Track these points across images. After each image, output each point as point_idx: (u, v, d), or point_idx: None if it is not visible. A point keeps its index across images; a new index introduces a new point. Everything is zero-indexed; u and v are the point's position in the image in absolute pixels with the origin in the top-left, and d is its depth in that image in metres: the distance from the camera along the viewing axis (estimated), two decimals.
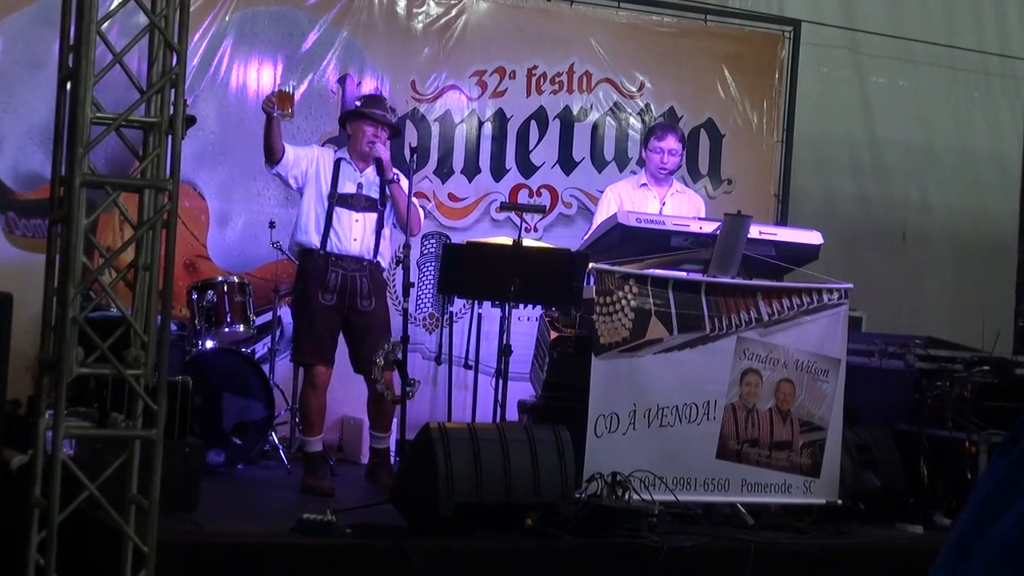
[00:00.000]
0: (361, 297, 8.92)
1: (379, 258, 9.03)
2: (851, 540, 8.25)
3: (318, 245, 8.92)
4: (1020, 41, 13.37)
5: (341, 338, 9.08)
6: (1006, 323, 12.28)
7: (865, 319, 10.02)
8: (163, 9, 6.03)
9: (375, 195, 9.02)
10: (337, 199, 8.93)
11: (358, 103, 9.34)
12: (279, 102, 8.78)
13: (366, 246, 8.95)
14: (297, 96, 10.19)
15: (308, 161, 8.99)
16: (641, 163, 10.20)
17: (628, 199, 9.58)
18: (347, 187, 8.98)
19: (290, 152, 8.92)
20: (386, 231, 9.10)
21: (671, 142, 9.62)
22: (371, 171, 9.04)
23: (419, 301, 10.26)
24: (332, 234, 8.91)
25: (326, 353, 8.97)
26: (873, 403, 9.24)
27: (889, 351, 9.90)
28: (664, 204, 9.63)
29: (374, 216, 9.00)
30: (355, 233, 8.95)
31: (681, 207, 9.54)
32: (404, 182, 9.07)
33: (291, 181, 9.09)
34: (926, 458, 9.11)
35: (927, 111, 13.41)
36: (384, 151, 8.99)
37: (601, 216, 9.72)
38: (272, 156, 8.89)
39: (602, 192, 10.13)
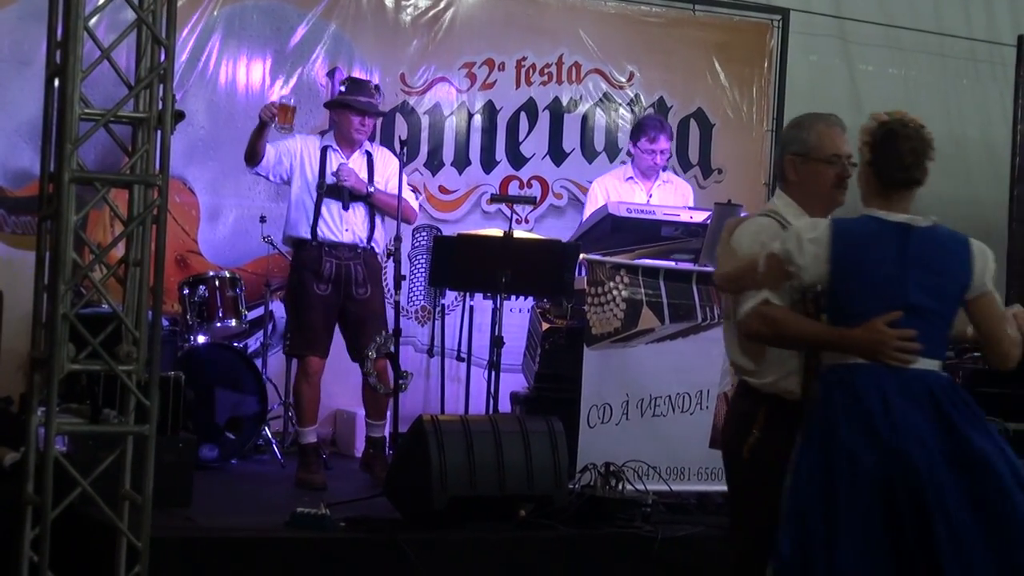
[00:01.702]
0: (356, 285, 8.92)
1: (373, 244, 9.03)
2: None
3: (309, 236, 8.91)
4: (1008, 27, 13.37)
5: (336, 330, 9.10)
6: None
7: None
8: (150, 4, 5.99)
9: (364, 184, 8.97)
10: (326, 190, 8.89)
11: (342, 88, 9.28)
12: (280, 114, 8.81)
13: (358, 234, 8.94)
14: (287, 90, 10.22)
15: (291, 155, 8.98)
16: (630, 155, 10.17)
17: (615, 192, 9.62)
18: (332, 177, 8.95)
19: (271, 151, 8.90)
20: (380, 224, 9.09)
21: (663, 143, 9.70)
22: (358, 156, 9.03)
23: (411, 294, 10.27)
24: (323, 224, 8.90)
25: (321, 344, 8.97)
26: None
27: None
28: (651, 196, 9.65)
29: (362, 207, 8.99)
30: (346, 223, 8.93)
31: (668, 197, 9.61)
32: (394, 161, 9.11)
33: (273, 178, 9.13)
34: None
35: (916, 99, 13.38)
36: (351, 176, 8.91)
37: (590, 210, 9.81)
38: (254, 159, 8.90)
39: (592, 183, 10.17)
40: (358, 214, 8.95)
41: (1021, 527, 4.65)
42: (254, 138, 8.86)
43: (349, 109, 9.00)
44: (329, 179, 8.87)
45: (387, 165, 9.10)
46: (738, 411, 5.22)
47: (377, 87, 9.60)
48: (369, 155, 9.08)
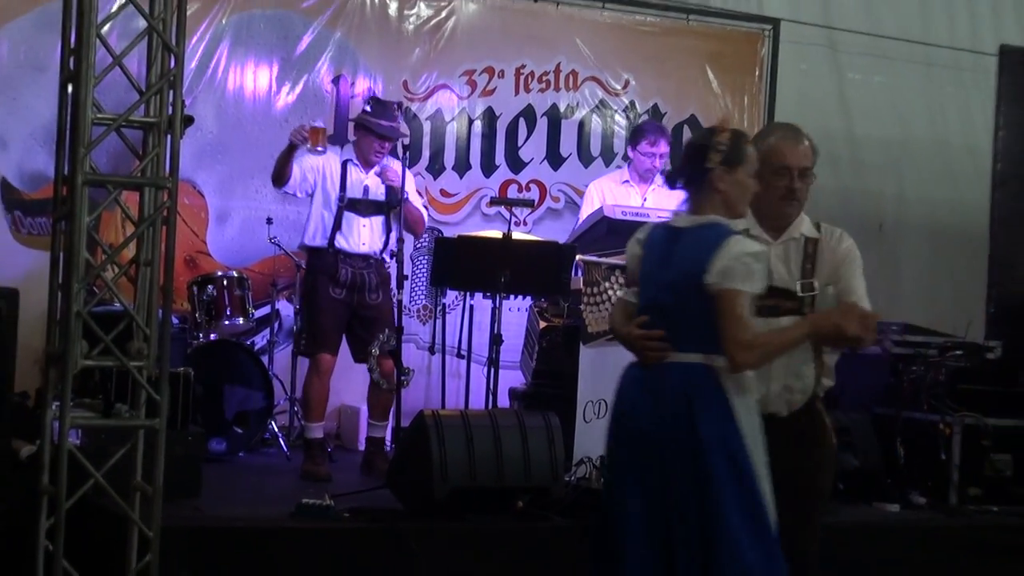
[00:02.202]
0: (369, 291, 9.00)
1: (385, 253, 9.10)
2: (830, 519, 8.24)
3: (326, 245, 8.97)
4: (991, 36, 13.38)
5: None
6: (978, 310, 12.34)
7: None
8: (161, 12, 6.04)
9: (382, 197, 9.06)
10: (348, 203, 8.97)
11: (367, 108, 9.20)
12: (312, 136, 8.85)
13: (373, 247, 9.02)
14: (293, 97, 10.29)
15: (315, 171, 9.02)
16: (627, 159, 10.24)
17: (611, 194, 9.63)
18: (355, 192, 9.02)
19: (296, 171, 8.95)
20: (394, 234, 9.09)
21: (663, 147, 9.69)
22: (375, 178, 9.08)
23: (413, 293, 10.30)
24: (340, 236, 8.95)
25: (333, 343, 9.01)
26: (851, 387, 9.25)
27: None
28: (646, 200, 9.68)
29: (381, 219, 9.06)
30: (363, 237, 9.00)
31: (663, 200, 9.44)
32: (409, 177, 9.14)
33: (300, 194, 9.19)
34: (902, 439, 9.15)
35: (902, 106, 13.44)
36: (397, 177, 8.98)
37: (586, 211, 9.82)
38: (282, 180, 8.98)
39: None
40: (375, 227, 9.03)
41: (718, 513, 4.79)
42: (282, 161, 8.91)
43: (373, 134, 9.01)
44: (351, 192, 8.94)
45: (391, 174, 9.07)
46: None
47: (399, 105, 9.56)
48: (384, 169, 9.08)
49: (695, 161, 5.13)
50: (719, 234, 4.93)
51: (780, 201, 5.32)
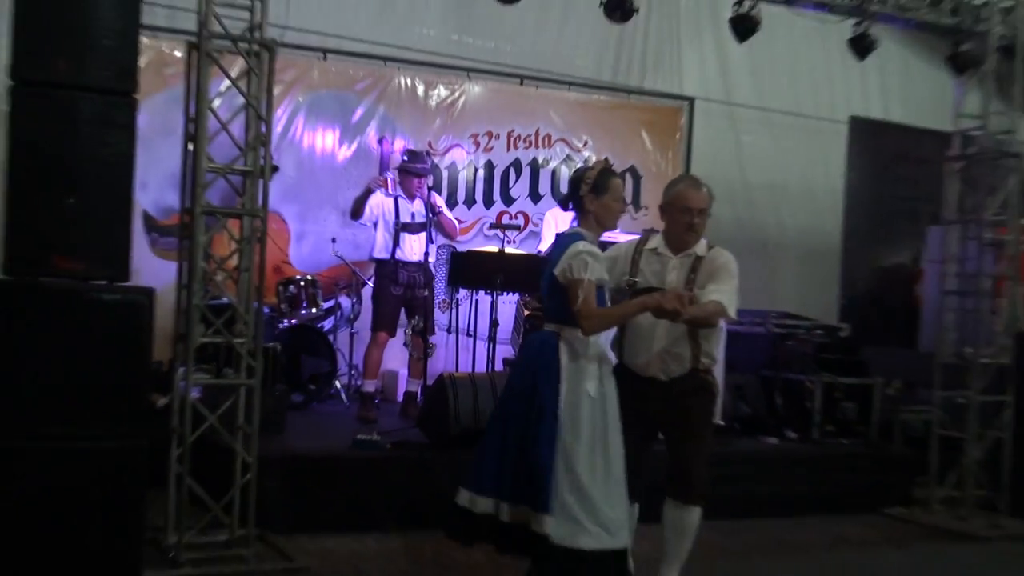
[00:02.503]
0: (419, 288, 9.05)
1: (429, 260, 9.14)
2: (730, 448, 8.32)
3: (389, 257, 9.03)
4: (843, 109, 13.39)
5: None
6: (834, 303, 12.40)
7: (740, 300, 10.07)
8: (255, 92, 6.07)
9: (422, 219, 9.12)
10: (401, 226, 9.04)
11: (405, 158, 9.38)
12: (383, 184, 9.27)
13: (420, 254, 9.06)
14: (349, 153, 10.31)
15: (377, 208, 9.14)
16: None
17: (563, 220, 9.64)
18: (404, 217, 9.08)
19: (367, 210, 9.13)
20: (433, 245, 9.21)
21: None
22: (418, 203, 9.15)
23: (436, 291, 10.27)
24: (398, 250, 9.01)
25: (392, 325, 9.08)
26: (745, 357, 9.28)
27: (756, 322, 10.01)
28: None
29: (423, 234, 9.10)
30: (414, 249, 9.05)
31: None
32: (441, 201, 9.46)
33: (368, 224, 9.26)
34: (780, 393, 9.22)
35: (781, 159, 13.37)
36: (435, 200, 9.28)
37: (546, 231, 10.05)
38: (358, 216, 9.20)
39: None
40: (421, 241, 9.07)
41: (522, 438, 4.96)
42: (360, 201, 9.17)
43: (412, 174, 9.16)
44: (403, 217, 9.04)
45: (432, 203, 9.19)
46: None
47: (428, 152, 9.89)
48: (423, 199, 9.16)
49: (573, 190, 5.22)
50: (570, 241, 5.04)
51: (683, 232, 5.33)
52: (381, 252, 9.11)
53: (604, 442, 4.97)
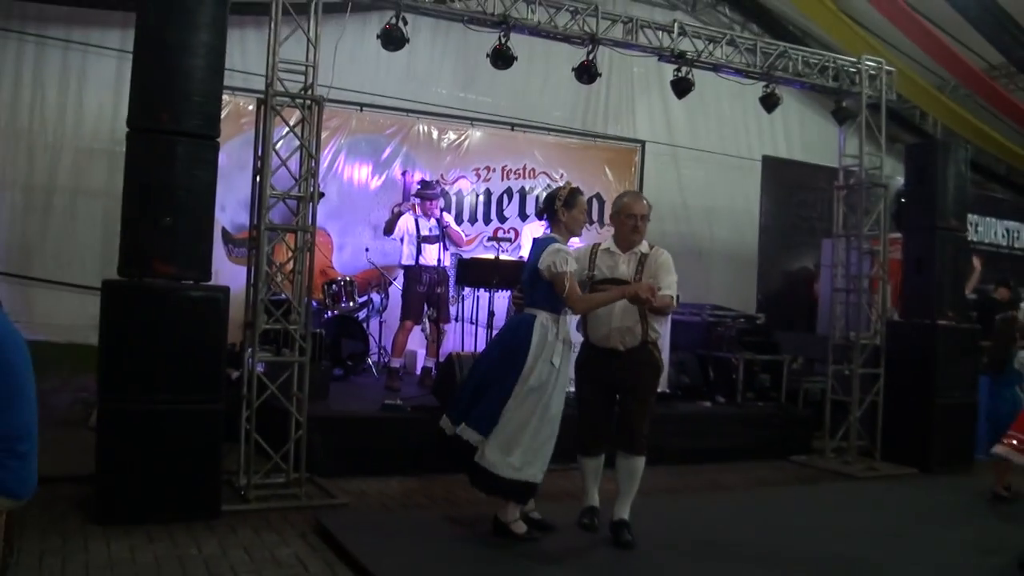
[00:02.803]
0: (437, 286, 9.06)
1: (443, 265, 9.14)
2: (674, 411, 8.32)
3: (414, 263, 9.06)
4: (758, 148, 13.47)
5: None
6: (752, 297, 12.42)
7: (680, 297, 10.08)
8: (308, 136, 6.09)
9: (438, 232, 9.16)
10: (422, 239, 9.09)
11: (419, 185, 9.57)
12: (413, 208, 9.44)
13: (436, 260, 9.08)
14: (379, 183, 10.32)
15: (403, 227, 9.25)
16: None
17: (537, 231, 9.68)
18: (424, 232, 9.13)
19: (396, 229, 9.33)
20: (446, 254, 9.21)
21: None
22: (433, 222, 9.20)
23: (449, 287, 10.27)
24: (421, 258, 9.05)
25: (417, 316, 9.10)
26: (685, 339, 9.31)
27: (693, 312, 10.03)
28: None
29: (438, 244, 9.13)
30: (432, 256, 9.09)
31: (575, 240, 9.63)
32: (450, 218, 9.59)
33: (396, 238, 9.36)
34: (712, 367, 9.23)
35: (712, 188, 13.49)
36: (445, 219, 9.37)
37: (524, 239, 10.27)
38: (390, 232, 9.54)
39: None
40: (437, 250, 9.10)
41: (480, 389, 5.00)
42: (391, 223, 9.53)
43: (426, 199, 9.30)
44: (422, 232, 9.10)
45: (442, 220, 9.24)
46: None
47: (437, 182, 9.95)
48: (436, 218, 9.21)
49: (548, 204, 5.25)
50: (548, 243, 5.07)
51: (630, 233, 5.31)
52: (408, 260, 9.14)
53: (547, 404, 4.97)
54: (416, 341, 9.60)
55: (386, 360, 9.52)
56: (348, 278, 9.57)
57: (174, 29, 5.30)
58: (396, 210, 9.37)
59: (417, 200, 9.48)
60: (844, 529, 5.92)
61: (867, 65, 8.58)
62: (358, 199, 10.28)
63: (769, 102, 8.52)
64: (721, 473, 7.73)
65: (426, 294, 9.03)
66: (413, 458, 6.87)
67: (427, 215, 9.20)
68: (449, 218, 9.50)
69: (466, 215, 10.92)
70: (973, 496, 7.05)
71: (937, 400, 8.12)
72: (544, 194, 11.17)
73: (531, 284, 5.08)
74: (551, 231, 5.23)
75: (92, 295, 7.92)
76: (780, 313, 11.74)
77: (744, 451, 8.33)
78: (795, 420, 8.84)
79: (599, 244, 5.46)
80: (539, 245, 5.12)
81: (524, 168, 11.20)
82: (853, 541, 5.62)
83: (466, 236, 10.40)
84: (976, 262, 10.58)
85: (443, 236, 9.16)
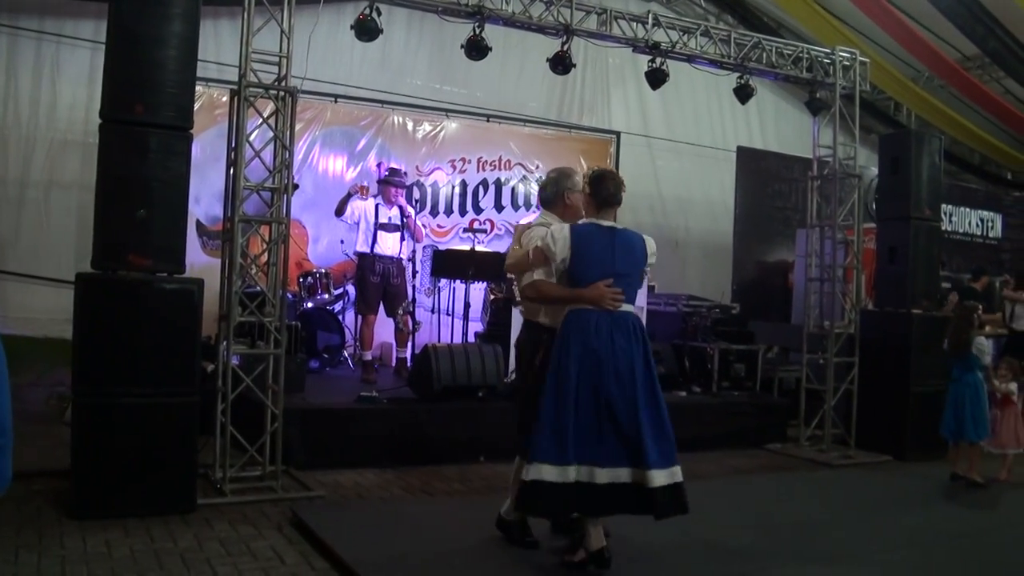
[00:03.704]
0: (392, 277, 8.94)
1: (401, 255, 9.03)
2: None
3: (369, 251, 8.92)
4: (732, 139, 13.50)
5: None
6: (727, 287, 12.48)
7: (657, 286, 10.15)
8: (282, 127, 6.07)
9: (398, 222, 9.02)
10: (379, 226, 8.93)
11: (386, 173, 9.36)
12: (361, 190, 9.13)
13: (394, 250, 8.96)
14: (354, 174, 10.26)
15: (360, 211, 9.03)
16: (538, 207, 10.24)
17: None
18: (383, 219, 8.97)
19: (348, 210, 9.02)
20: (406, 243, 9.07)
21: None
22: (395, 210, 9.06)
23: (422, 280, 10.22)
24: (376, 246, 8.90)
25: (374, 307, 8.97)
26: (661, 329, 9.35)
27: (669, 302, 10.07)
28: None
29: (398, 234, 9.00)
30: (389, 245, 8.95)
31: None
32: (412, 211, 9.23)
33: (348, 222, 9.16)
34: (687, 357, 9.27)
35: (687, 179, 13.51)
36: (406, 208, 9.12)
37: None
38: (340, 214, 9.10)
39: (515, 224, 10.11)
40: (395, 239, 8.97)
41: (632, 410, 4.54)
42: (343, 202, 9.03)
43: (391, 185, 9.10)
44: (381, 219, 8.90)
45: (404, 209, 9.12)
46: (531, 337, 4.82)
47: (404, 172, 9.68)
48: (400, 206, 9.10)
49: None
50: (638, 235, 4.70)
51: (579, 210, 4.92)
52: (362, 247, 9.00)
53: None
54: (388, 332, 9.59)
55: (361, 353, 9.49)
56: (324, 270, 9.54)
57: (147, 20, 5.28)
58: (350, 191, 9.12)
59: (381, 186, 9.33)
60: (819, 517, 5.98)
61: (841, 56, 8.63)
62: (333, 191, 10.22)
63: (743, 93, 8.57)
64: (697, 462, 7.74)
65: (381, 285, 8.91)
66: (389, 450, 6.86)
67: (388, 201, 9.05)
68: (411, 210, 9.29)
69: (442, 207, 10.91)
70: (947, 483, 7.13)
71: (911, 388, 8.20)
72: (520, 186, 11.25)
73: (634, 276, 4.67)
74: (547, 213, 4.97)
75: (67, 288, 7.78)
76: (755, 303, 11.82)
77: (719, 440, 8.37)
78: (770, 409, 8.89)
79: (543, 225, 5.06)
80: (631, 236, 4.67)
81: (499, 159, 11.20)
82: (828, 529, 5.67)
83: (440, 228, 10.38)
84: (952, 296, 10.58)
85: (403, 226, 9.05)
